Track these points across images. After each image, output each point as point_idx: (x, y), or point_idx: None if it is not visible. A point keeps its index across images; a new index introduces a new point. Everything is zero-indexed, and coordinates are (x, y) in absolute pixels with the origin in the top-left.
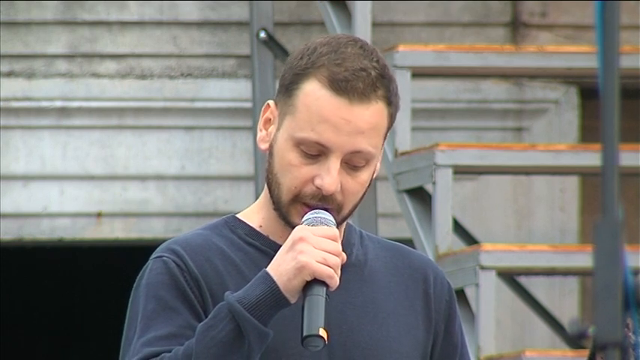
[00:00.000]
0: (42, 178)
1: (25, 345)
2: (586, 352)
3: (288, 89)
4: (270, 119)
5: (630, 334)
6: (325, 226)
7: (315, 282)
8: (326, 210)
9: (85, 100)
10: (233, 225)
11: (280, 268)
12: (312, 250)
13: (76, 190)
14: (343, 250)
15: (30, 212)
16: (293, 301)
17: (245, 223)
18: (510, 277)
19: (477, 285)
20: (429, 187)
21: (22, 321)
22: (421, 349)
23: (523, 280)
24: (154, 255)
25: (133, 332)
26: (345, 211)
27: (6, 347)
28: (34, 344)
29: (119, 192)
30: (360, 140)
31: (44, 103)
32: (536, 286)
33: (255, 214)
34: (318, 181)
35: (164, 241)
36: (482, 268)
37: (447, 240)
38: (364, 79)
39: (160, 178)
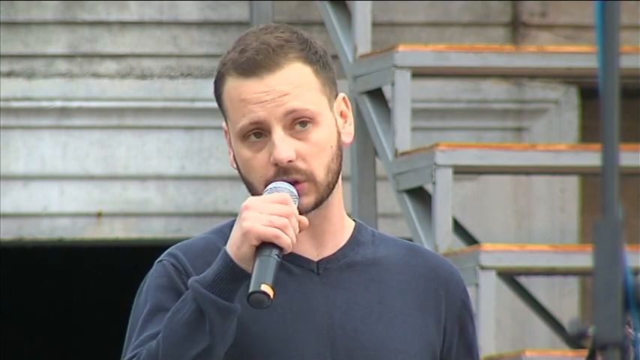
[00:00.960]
0: (42, 178)
1: (25, 345)
2: (586, 352)
3: (217, 99)
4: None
5: (630, 330)
6: (275, 193)
7: (263, 245)
8: (295, 182)
9: (85, 100)
10: None
11: (231, 241)
12: (256, 215)
13: (76, 190)
14: (351, 249)
15: (30, 212)
16: (249, 270)
17: None
18: (510, 277)
19: (477, 285)
20: (429, 187)
21: (22, 321)
22: (430, 349)
23: (523, 280)
24: (157, 260)
25: (132, 335)
26: (319, 177)
27: (6, 347)
28: (34, 344)
29: (119, 192)
30: (288, 100)
31: (44, 103)
32: (536, 286)
33: None
34: (271, 158)
35: (164, 241)
36: (482, 268)
37: (447, 240)
38: (264, 50)
39: (160, 178)
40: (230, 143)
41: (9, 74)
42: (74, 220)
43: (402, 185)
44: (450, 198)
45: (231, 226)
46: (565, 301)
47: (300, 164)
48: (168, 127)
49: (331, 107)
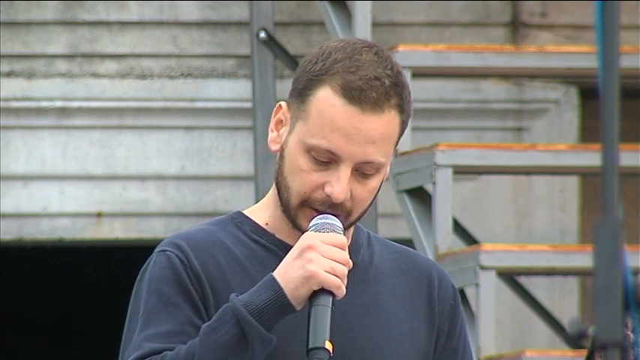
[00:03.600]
0: (42, 178)
1: (25, 345)
2: (585, 353)
3: (301, 94)
4: (281, 120)
5: (629, 333)
6: (334, 234)
7: (322, 291)
8: (334, 215)
9: (85, 100)
10: (239, 221)
11: (287, 275)
12: (320, 258)
13: (76, 190)
14: (352, 252)
15: (30, 212)
16: (299, 308)
17: (251, 219)
18: (510, 277)
19: (476, 285)
20: (429, 187)
21: (22, 321)
22: (423, 351)
23: (523, 280)
24: (157, 248)
25: (135, 325)
26: (354, 217)
27: (6, 347)
28: (33, 344)
29: (119, 192)
30: (371, 150)
31: (44, 103)
32: (536, 286)
33: (262, 212)
34: (328, 189)
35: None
36: (482, 268)
37: (447, 240)
38: (378, 88)
39: (160, 178)
40: (280, 121)
41: (9, 74)
42: (74, 220)
43: (402, 185)
44: (450, 198)
45: (231, 220)
46: (565, 301)
47: (348, 203)
48: (168, 127)
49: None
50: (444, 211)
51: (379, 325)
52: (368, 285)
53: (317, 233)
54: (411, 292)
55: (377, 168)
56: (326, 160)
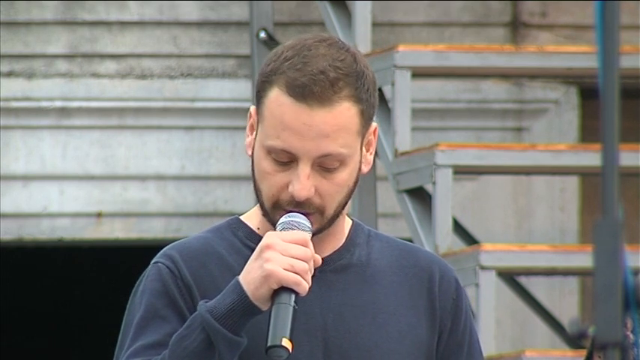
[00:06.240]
0: (42, 178)
1: (25, 345)
2: (585, 353)
3: (258, 97)
4: (252, 125)
5: (629, 333)
6: (296, 231)
7: (282, 289)
8: (305, 214)
9: (85, 100)
10: (235, 227)
11: (248, 277)
12: (278, 257)
13: (76, 190)
14: (346, 251)
15: (30, 212)
16: (264, 308)
17: (246, 225)
18: (510, 277)
19: (477, 285)
20: (429, 187)
21: (22, 321)
22: (424, 348)
23: (523, 280)
24: (153, 260)
25: (126, 339)
26: (329, 212)
27: (5, 347)
28: (34, 344)
29: (119, 192)
30: (327, 143)
31: (44, 103)
32: (536, 286)
33: (255, 217)
34: (290, 188)
35: (164, 241)
36: (482, 268)
37: (447, 240)
38: (321, 82)
39: (160, 178)
40: (252, 126)
41: (9, 74)
42: (74, 220)
43: (402, 185)
44: (449, 198)
45: (228, 226)
46: (565, 301)
47: (316, 200)
48: (168, 127)
49: (362, 144)
50: (444, 211)
51: (377, 324)
52: (365, 285)
53: (278, 232)
54: (412, 288)
55: (340, 160)
56: (285, 160)
